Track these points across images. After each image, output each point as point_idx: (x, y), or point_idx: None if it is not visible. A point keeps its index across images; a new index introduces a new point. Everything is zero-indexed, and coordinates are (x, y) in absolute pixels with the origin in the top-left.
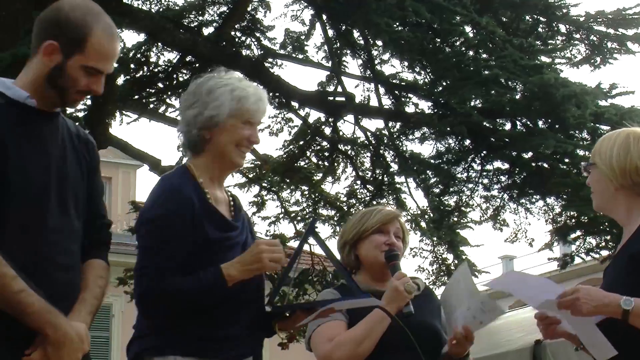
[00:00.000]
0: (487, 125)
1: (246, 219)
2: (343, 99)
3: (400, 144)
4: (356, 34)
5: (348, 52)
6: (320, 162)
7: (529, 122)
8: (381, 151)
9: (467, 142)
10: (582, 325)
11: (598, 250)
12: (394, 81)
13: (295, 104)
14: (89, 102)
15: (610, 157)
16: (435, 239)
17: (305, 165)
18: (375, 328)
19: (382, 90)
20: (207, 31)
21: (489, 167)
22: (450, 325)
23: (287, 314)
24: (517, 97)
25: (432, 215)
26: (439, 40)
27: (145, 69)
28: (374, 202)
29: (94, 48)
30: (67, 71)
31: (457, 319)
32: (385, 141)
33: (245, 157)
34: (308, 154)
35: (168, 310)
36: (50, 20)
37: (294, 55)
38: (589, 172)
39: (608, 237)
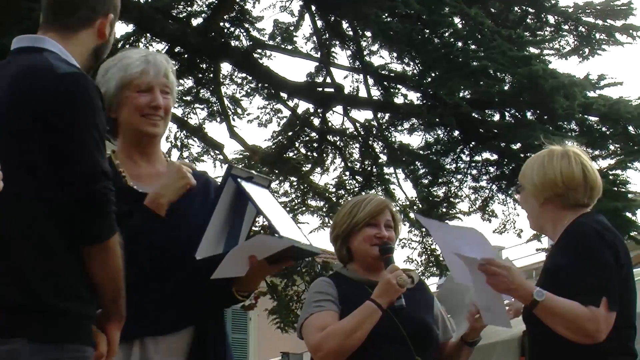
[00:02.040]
0: (476, 116)
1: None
2: (332, 90)
3: (389, 134)
4: (345, 24)
5: (337, 43)
6: (309, 153)
7: (517, 113)
8: (370, 142)
9: (456, 133)
10: (487, 291)
11: None
12: (383, 72)
13: (284, 95)
14: None
15: (531, 175)
16: (424, 229)
17: (294, 156)
18: (366, 320)
19: (371, 81)
20: (196, 22)
21: (477, 158)
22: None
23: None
24: (506, 88)
25: (420, 206)
26: (427, 31)
27: None
28: (363, 193)
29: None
30: (111, 40)
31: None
32: (374, 132)
33: (158, 124)
34: (297, 144)
35: None
36: (83, 3)
37: (283, 46)
38: (519, 195)
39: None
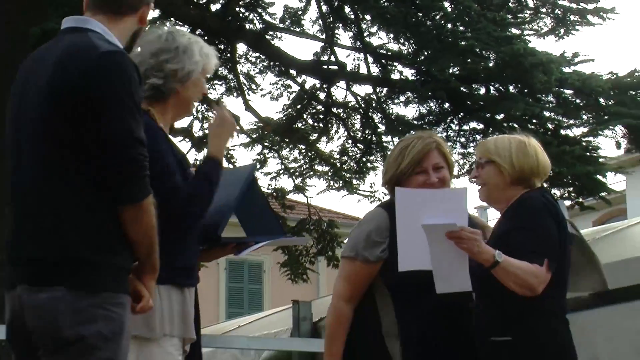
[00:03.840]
0: (464, 90)
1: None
2: (336, 67)
3: (387, 107)
4: (347, 9)
5: (340, 25)
6: (315, 124)
7: (501, 88)
8: (370, 114)
9: (446, 105)
10: (448, 257)
11: (562, 201)
12: (381, 51)
13: (293, 72)
14: None
15: (510, 157)
16: None
17: (303, 127)
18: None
19: (370, 59)
20: (214, 7)
21: (465, 127)
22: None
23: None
24: (491, 65)
25: None
26: (420, 14)
27: None
28: (364, 159)
29: None
30: (144, 27)
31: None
32: (374, 105)
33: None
34: (305, 116)
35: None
36: None
37: (292, 28)
38: (482, 168)
39: (571, 189)
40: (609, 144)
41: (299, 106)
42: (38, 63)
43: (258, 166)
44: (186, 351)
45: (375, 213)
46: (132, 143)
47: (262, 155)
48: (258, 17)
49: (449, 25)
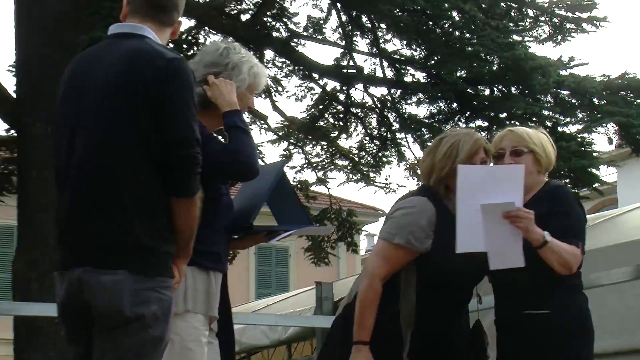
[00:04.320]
0: (470, 91)
1: None
2: (354, 71)
3: (400, 107)
4: (364, 18)
5: (358, 33)
6: (336, 123)
7: (503, 89)
8: (385, 113)
9: (454, 105)
10: (504, 235)
11: None
12: (395, 56)
13: (315, 76)
14: None
15: (543, 147)
16: None
17: (324, 125)
18: None
19: (385, 63)
20: (244, 17)
21: (472, 125)
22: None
23: (239, 236)
24: (494, 68)
25: None
26: (431, 23)
27: (195, 48)
28: (380, 154)
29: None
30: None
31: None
32: (389, 105)
33: None
34: (326, 116)
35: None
36: (182, 3)
37: (314, 36)
38: (520, 156)
39: (567, 181)
40: (602, 139)
41: (320, 106)
42: (96, 62)
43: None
44: (212, 329)
45: (423, 204)
46: (193, 143)
47: (287, 151)
48: (284, 26)
49: (457, 33)
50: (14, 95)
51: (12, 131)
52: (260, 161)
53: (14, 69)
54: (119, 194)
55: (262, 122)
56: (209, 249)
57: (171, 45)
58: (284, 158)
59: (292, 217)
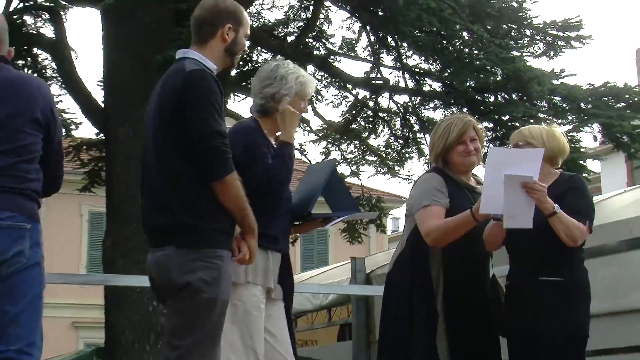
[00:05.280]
0: (478, 98)
1: None
2: (381, 82)
3: (420, 111)
4: (389, 38)
5: (384, 51)
6: (366, 125)
7: (506, 96)
8: (407, 117)
9: (465, 109)
10: (519, 201)
11: None
12: (415, 69)
13: (349, 86)
14: None
15: (542, 139)
16: None
17: (356, 127)
18: (462, 225)
19: (407, 76)
20: (290, 39)
21: (479, 126)
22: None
23: (303, 222)
24: (498, 79)
25: None
26: (445, 41)
27: (249, 64)
28: (403, 151)
29: (247, 22)
30: (238, 41)
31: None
32: (410, 110)
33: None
34: (358, 119)
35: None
36: (217, 13)
37: (348, 53)
38: (520, 148)
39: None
40: (588, 137)
41: (353, 112)
42: (159, 84)
43: (324, 157)
44: (274, 298)
45: (431, 175)
46: (212, 135)
47: (326, 149)
48: (322, 46)
49: (466, 49)
50: (102, 105)
51: (101, 135)
52: (304, 158)
53: (101, 84)
54: (163, 187)
55: (305, 125)
56: (267, 232)
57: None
58: (333, 158)
59: (343, 205)
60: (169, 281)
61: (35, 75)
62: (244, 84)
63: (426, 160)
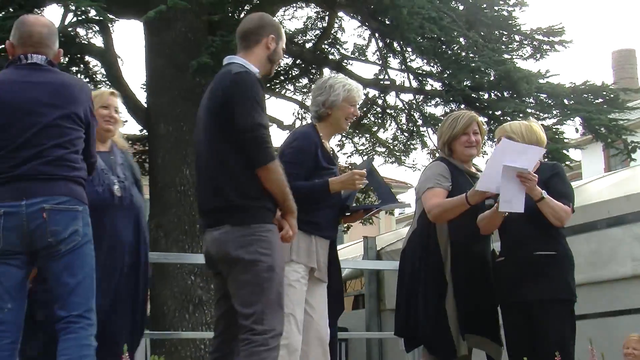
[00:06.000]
0: (474, 95)
1: (336, 160)
2: (389, 82)
3: (423, 108)
4: (395, 44)
5: (391, 55)
6: (376, 120)
7: (498, 93)
8: (412, 113)
9: (462, 106)
10: (514, 188)
11: None
12: (419, 71)
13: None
14: None
15: (521, 133)
16: None
17: (367, 122)
18: (458, 206)
19: (411, 77)
20: (308, 45)
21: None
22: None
23: (350, 213)
24: (491, 79)
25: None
26: (444, 46)
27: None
28: (408, 143)
29: (284, 37)
30: (278, 51)
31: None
32: (414, 107)
33: (349, 125)
34: (369, 115)
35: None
36: (263, 25)
37: (359, 57)
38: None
39: (546, 159)
40: (570, 129)
41: (364, 109)
42: (209, 86)
43: (339, 149)
44: (317, 277)
45: (436, 163)
46: (255, 127)
47: (341, 141)
48: (337, 51)
49: (463, 53)
50: (145, 105)
51: (144, 131)
52: None
53: (144, 86)
54: (215, 174)
55: None
56: (310, 219)
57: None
58: (370, 157)
59: (381, 197)
60: (227, 255)
61: (87, 79)
62: (267, 85)
63: (429, 151)
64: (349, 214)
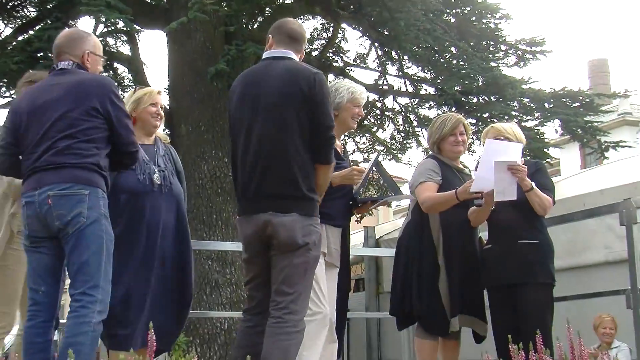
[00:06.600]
0: (464, 99)
1: (346, 156)
2: (387, 87)
3: (418, 111)
4: (393, 53)
5: (389, 62)
6: (375, 121)
7: (486, 98)
8: (408, 115)
9: (454, 108)
10: (506, 179)
11: None
12: (414, 77)
13: None
14: None
15: (514, 134)
16: None
17: (367, 123)
18: (448, 201)
19: (407, 82)
20: (314, 53)
21: (467, 123)
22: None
23: (361, 204)
24: (480, 84)
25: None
26: (437, 55)
27: None
28: (404, 142)
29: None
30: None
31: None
32: (410, 109)
33: (356, 123)
34: (369, 117)
35: None
36: (304, 37)
37: (360, 64)
38: None
39: (528, 157)
40: (551, 130)
41: (365, 111)
42: (263, 76)
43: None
44: (327, 261)
45: (428, 160)
46: (332, 128)
47: (344, 140)
48: (340, 58)
49: (454, 61)
50: (167, 107)
51: (166, 130)
52: None
53: (167, 90)
54: (289, 164)
55: None
56: (323, 210)
57: None
58: (377, 152)
59: (390, 189)
60: (293, 240)
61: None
62: None
63: (423, 150)
64: (359, 205)
